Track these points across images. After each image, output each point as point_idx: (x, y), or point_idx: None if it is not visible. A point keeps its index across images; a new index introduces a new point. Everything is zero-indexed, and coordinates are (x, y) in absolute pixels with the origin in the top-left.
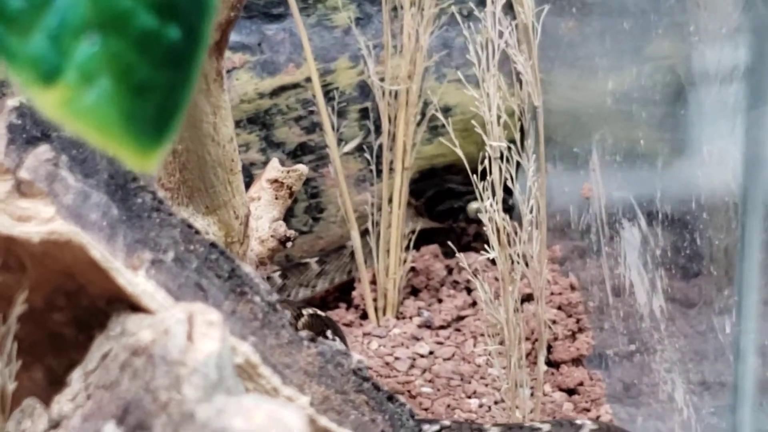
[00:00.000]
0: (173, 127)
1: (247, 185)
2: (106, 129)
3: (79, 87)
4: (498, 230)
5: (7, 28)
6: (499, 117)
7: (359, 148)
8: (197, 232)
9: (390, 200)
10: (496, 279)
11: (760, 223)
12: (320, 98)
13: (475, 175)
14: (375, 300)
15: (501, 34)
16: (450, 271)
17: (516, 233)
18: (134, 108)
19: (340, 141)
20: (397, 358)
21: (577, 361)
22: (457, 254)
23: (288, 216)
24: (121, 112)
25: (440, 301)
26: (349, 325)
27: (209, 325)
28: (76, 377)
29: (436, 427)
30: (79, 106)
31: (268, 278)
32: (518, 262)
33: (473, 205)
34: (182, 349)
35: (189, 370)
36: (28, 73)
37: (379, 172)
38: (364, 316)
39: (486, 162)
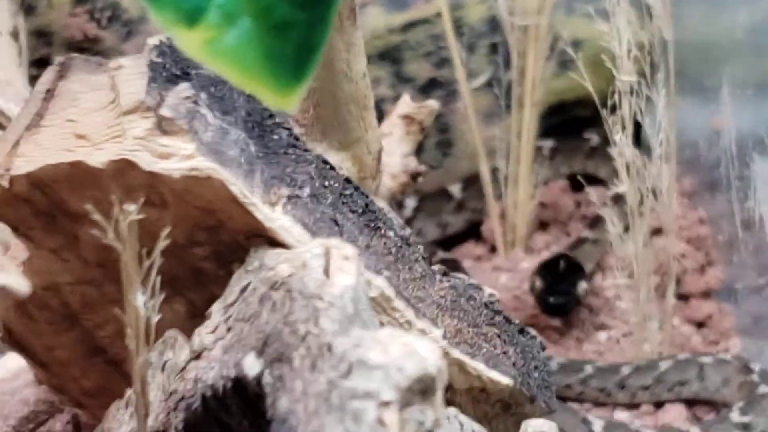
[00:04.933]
0: (312, 65)
1: (378, 120)
2: (247, 68)
3: (221, 27)
4: (627, 164)
5: None
6: (629, 51)
7: (488, 84)
8: (332, 167)
9: (519, 135)
10: (625, 213)
11: None
12: (450, 33)
13: (604, 109)
14: (504, 234)
15: None
16: (578, 205)
17: (645, 167)
18: (274, 47)
19: (470, 76)
20: (525, 292)
21: (706, 295)
22: (586, 187)
23: (418, 151)
24: (262, 51)
25: (568, 234)
26: (478, 259)
27: (345, 260)
28: (216, 310)
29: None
30: (220, 46)
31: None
32: (647, 196)
33: (582, 285)
34: (319, 283)
35: (326, 304)
36: (171, 13)
37: (508, 107)
38: (493, 250)
39: (616, 96)
